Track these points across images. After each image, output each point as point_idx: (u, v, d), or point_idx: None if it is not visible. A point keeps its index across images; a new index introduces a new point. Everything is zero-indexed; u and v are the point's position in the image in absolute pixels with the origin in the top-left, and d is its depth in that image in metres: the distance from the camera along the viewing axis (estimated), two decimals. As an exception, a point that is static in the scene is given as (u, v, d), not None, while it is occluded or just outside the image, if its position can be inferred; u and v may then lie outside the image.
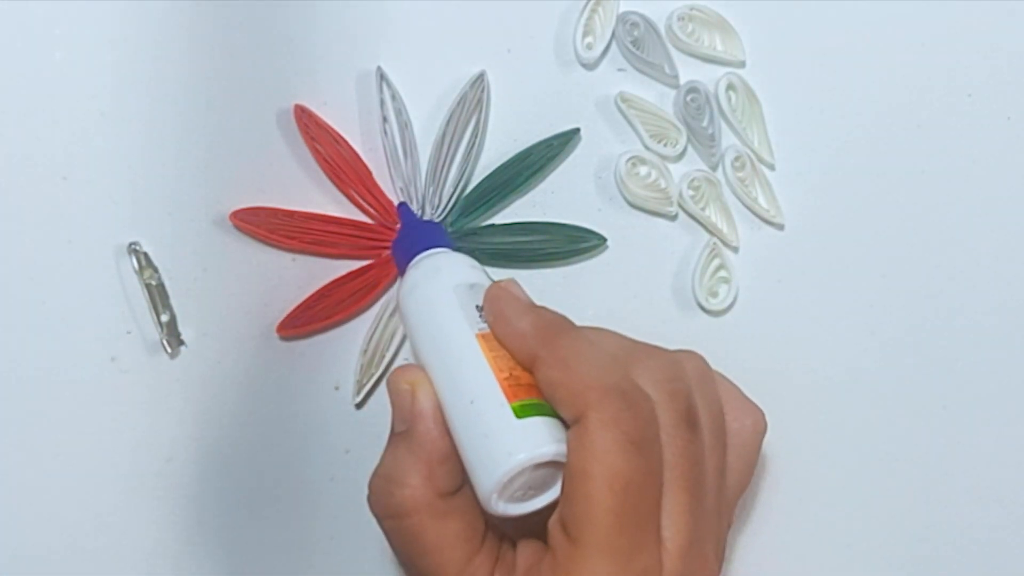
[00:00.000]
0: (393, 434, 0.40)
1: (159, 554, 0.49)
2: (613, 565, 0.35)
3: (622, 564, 0.35)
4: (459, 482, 0.39)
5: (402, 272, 0.43)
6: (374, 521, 0.49)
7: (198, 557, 0.49)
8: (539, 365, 0.38)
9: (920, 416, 0.51)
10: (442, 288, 0.41)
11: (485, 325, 0.39)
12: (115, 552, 0.47)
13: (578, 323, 0.50)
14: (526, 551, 0.39)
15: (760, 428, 0.42)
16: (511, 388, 0.37)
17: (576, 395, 0.36)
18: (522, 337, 0.39)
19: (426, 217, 0.49)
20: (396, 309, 0.48)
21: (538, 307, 0.40)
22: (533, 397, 0.37)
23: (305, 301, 0.48)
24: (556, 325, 0.39)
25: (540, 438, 0.36)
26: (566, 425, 0.37)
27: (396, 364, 0.49)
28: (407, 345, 0.49)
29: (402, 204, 0.47)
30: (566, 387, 0.37)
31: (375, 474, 0.40)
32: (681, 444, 0.38)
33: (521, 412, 0.37)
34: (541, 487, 0.37)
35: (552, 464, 0.36)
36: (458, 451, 0.38)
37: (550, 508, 0.38)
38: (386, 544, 0.49)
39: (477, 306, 0.40)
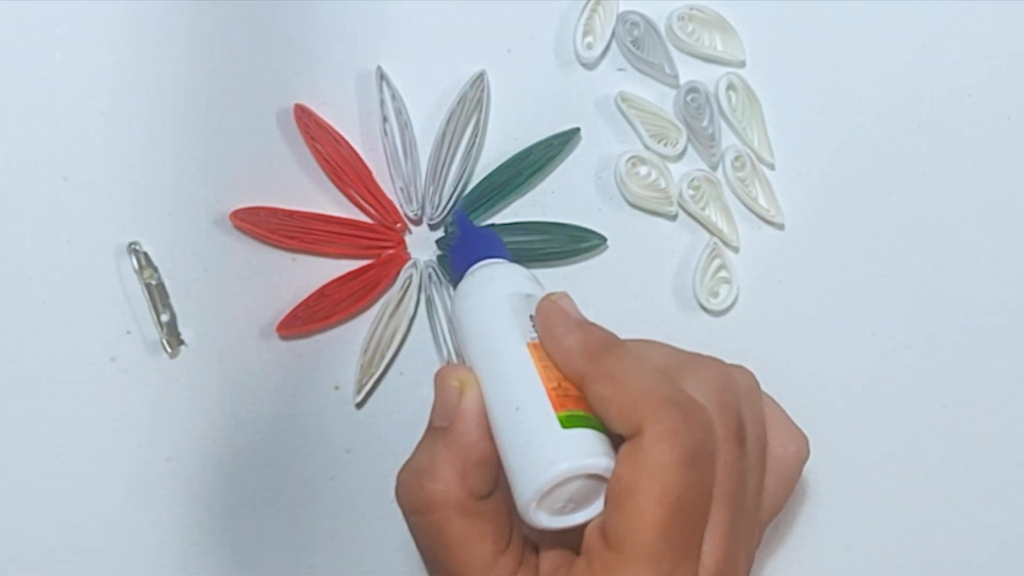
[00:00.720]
0: (431, 429, 0.39)
1: (159, 553, 0.49)
2: None
3: None
4: (492, 487, 0.38)
5: (457, 279, 0.43)
6: (374, 521, 0.49)
7: (198, 556, 0.49)
8: (587, 382, 0.37)
9: (920, 416, 0.51)
10: (496, 296, 0.40)
11: (536, 335, 0.39)
12: (115, 552, 0.47)
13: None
14: (550, 555, 0.38)
15: (803, 456, 0.42)
16: (559, 398, 0.37)
17: (628, 410, 0.36)
18: (569, 354, 0.38)
19: (426, 217, 0.49)
20: (395, 310, 0.48)
21: (587, 324, 0.39)
22: (581, 409, 0.37)
23: (305, 301, 0.48)
24: (603, 342, 0.38)
25: (585, 449, 0.36)
26: (615, 441, 0.36)
27: (396, 364, 0.49)
28: (407, 345, 0.49)
29: (460, 212, 0.47)
30: (617, 403, 0.36)
31: (405, 467, 0.39)
32: (729, 460, 0.37)
33: (567, 422, 0.36)
34: (581, 502, 0.36)
35: (595, 478, 0.36)
36: (500, 457, 0.38)
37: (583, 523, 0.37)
38: (386, 544, 0.49)
39: (530, 316, 0.39)
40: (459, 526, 0.38)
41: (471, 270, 0.42)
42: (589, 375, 0.37)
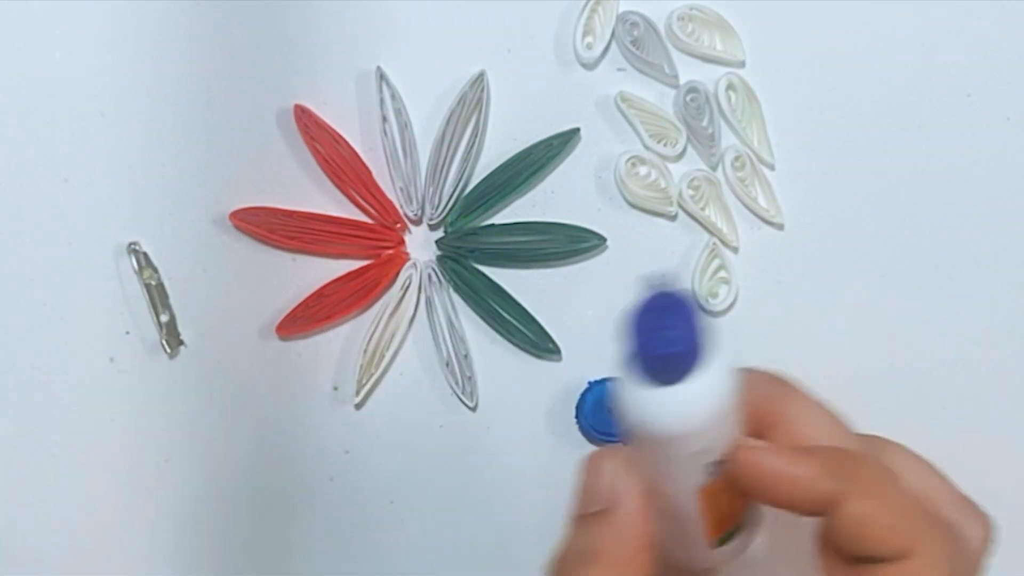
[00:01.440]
0: (583, 517, 0.36)
1: (158, 553, 0.49)
2: None
3: None
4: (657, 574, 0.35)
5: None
6: (372, 522, 0.49)
7: (196, 557, 0.49)
8: (842, 500, 0.34)
9: (919, 417, 0.51)
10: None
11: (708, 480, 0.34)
12: (113, 552, 0.48)
13: (577, 324, 0.50)
14: None
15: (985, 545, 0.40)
16: (715, 526, 0.34)
17: (894, 529, 0.33)
18: (804, 483, 0.34)
19: (426, 217, 0.49)
20: (394, 310, 0.48)
21: (809, 451, 0.35)
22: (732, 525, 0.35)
23: (304, 301, 0.48)
24: (849, 455, 0.35)
25: None
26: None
27: (396, 364, 0.49)
28: (406, 345, 0.49)
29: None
30: (881, 521, 0.33)
31: (560, 557, 0.35)
32: None
33: (720, 542, 0.35)
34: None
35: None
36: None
37: None
38: (384, 545, 0.49)
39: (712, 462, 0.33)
40: None
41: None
42: (846, 492, 0.34)
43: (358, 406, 0.49)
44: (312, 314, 0.48)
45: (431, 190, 0.49)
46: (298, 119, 0.48)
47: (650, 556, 0.35)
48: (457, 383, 0.49)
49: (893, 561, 0.33)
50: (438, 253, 0.49)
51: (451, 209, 0.49)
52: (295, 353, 0.49)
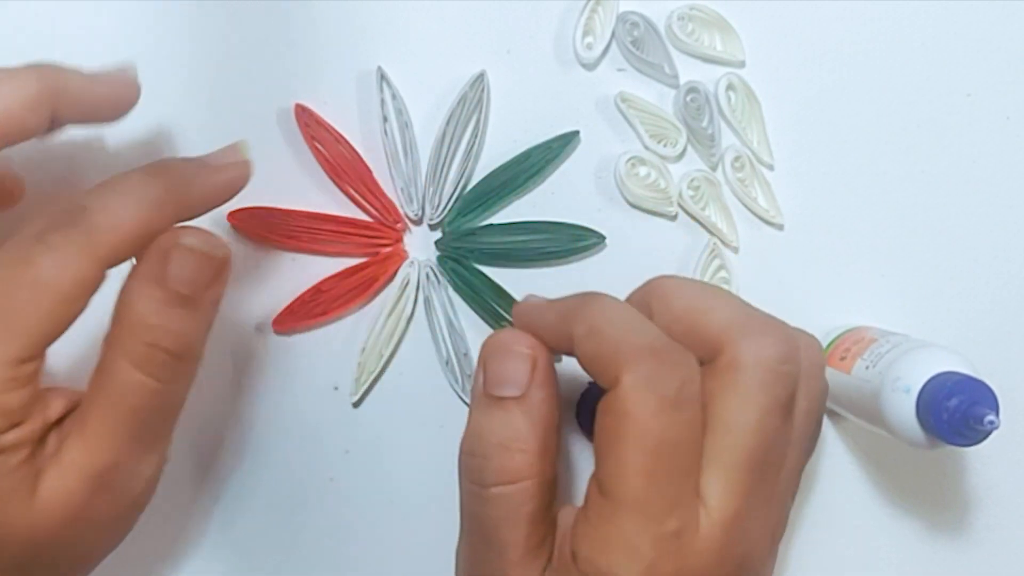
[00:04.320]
0: (499, 398, 0.38)
1: (156, 553, 0.49)
2: (644, 524, 0.35)
3: (654, 523, 0.35)
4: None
5: None
6: (373, 521, 0.49)
7: (195, 556, 0.49)
8: (576, 344, 0.37)
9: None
10: None
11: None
12: (112, 552, 0.47)
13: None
14: (565, 513, 0.39)
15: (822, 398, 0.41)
16: None
17: (609, 360, 0.36)
18: (551, 327, 0.39)
19: (426, 217, 0.49)
20: (392, 309, 0.48)
21: (559, 299, 0.40)
22: None
23: (301, 296, 0.48)
24: (579, 300, 0.39)
25: None
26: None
27: (395, 364, 0.49)
28: (405, 344, 0.49)
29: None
30: (600, 355, 0.36)
31: (480, 439, 0.38)
32: (767, 430, 0.36)
33: None
34: None
35: None
36: None
37: None
38: (384, 544, 0.49)
39: None
40: (535, 501, 0.37)
41: None
42: (576, 335, 0.37)
43: (357, 405, 0.49)
44: (309, 309, 0.48)
45: (431, 190, 0.49)
46: (299, 118, 0.48)
47: (558, 439, 0.39)
48: (457, 382, 0.49)
49: (610, 389, 0.36)
50: (437, 253, 0.49)
51: (451, 209, 0.49)
52: (294, 352, 0.49)
